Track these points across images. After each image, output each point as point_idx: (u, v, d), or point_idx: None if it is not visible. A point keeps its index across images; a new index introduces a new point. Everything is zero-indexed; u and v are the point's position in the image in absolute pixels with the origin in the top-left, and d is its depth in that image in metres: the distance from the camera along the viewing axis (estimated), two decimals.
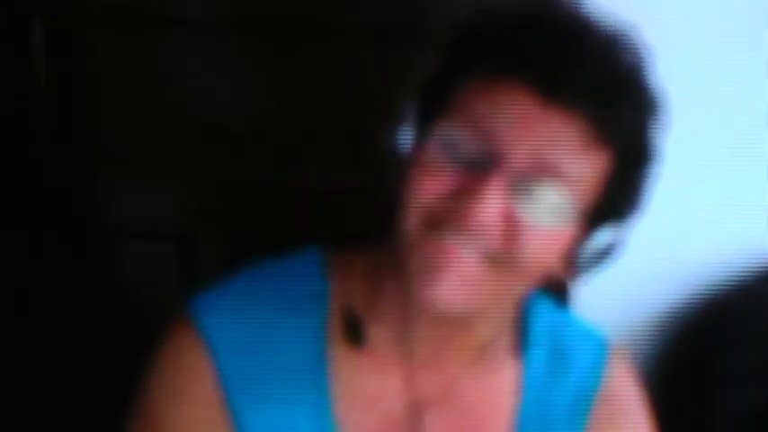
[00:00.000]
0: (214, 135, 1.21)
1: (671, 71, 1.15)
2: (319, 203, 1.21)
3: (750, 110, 1.17)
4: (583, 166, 0.64)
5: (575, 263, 0.70)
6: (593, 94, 0.62)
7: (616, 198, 0.68)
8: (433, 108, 0.68)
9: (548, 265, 0.67)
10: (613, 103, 0.63)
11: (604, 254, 0.70)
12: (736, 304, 1.19)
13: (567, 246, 0.67)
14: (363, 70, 1.19)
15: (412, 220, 0.65)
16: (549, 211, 0.64)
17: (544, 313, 0.83)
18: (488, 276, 0.65)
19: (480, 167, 0.63)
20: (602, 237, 0.69)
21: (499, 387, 0.79)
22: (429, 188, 0.64)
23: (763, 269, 1.20)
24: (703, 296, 1.23)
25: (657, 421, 0.87)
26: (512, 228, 0.63)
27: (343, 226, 1.14)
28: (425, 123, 0.68)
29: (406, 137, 0.69)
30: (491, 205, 0.62)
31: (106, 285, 1.26)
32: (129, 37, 1.19)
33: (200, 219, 1.26)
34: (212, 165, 1.22)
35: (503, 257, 0.64)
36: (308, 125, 1.20)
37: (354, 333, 0.74)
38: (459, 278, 0.64)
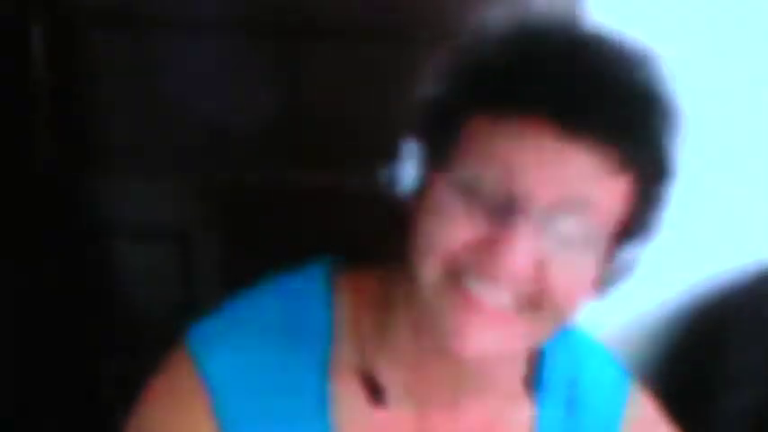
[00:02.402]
0: (214, 135, 1.21)
1: (672, 70, 1.15)
2: (318, 204, 1.21)
3: (752, 109, 1.17)
4: (606, 193, 0.61)
5: (599, 285, 0.67)
6: (614, 123, 0.59)
7: (641, 217, 0.65)
8: (439, 142, 0.64)
9: (579, 298, 0.64)
10: (633, 127, 0.60)
11: (626, 271, 0.68)
12: (737, 305, 1.18)
13: (596, 273, 0.64)
14: (364, 71, 1.19)
15: (432, 268, 0.62)
16: (576, 244, 0.61)
17: (561, 350, 0.78)
18: (519, 319, 0.62)
19: (504, 211, 0.59)
20: (627, 255, 0.67)
21: (511, 427, 0.75)
22: (450, 236, 0.60)
23: (764, 269, 1.20)
24: (704, 297, 1.23)
25: None
26: (541, 268, 0.61)
27: (343, 228, 1.14)
28: (433, 158, 0.64)
29: (409, 168, 0.66)
30: (522, 253, 0.59)
31: (105, 285, 1.26)
32: (129, 37, 1.19)
33: (201, 219, 1.25)
34: (212, 164, 1.22)
35: (533, 298, 0.62)
36: (307, 126, 1.20)
37: (376, 395, 0.71)
38: (488, 325, 0.61)
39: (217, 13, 1.19)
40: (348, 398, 0.71)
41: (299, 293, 0.73)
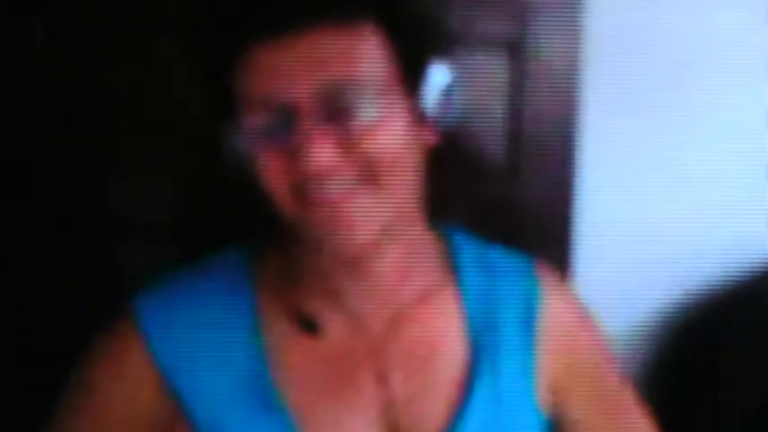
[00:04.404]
0: (216, 133, 1.21)
1: (672, 72, 1.16)
2: None
3: (750, 109, 1.18)
4: (356, 57, 0.65)
5: (427, 124, 0.72)
6: (308, 5, 0.64)
7: (411, 58, 0.69)
8: (227, 106, 0.70)
9: (406, 149, 0.69)
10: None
11: (445, 100, 0.72)
12: (736, 304, 1.19)
13: (406, 119, 0.69)
14: None
15: (284, 204, 0.68)
16: (368, 110, 0.66)
17: (466, 243, 0.85)
18: (372, 191, 0.68)
19: (288, 126, 0.65)
20: (429, 87, 0.71)
21: (442, 317, 0.81)
22: (275, 172, 0.67)
23: (763, 269, 1.20)
24: (703, 296, 1.23)
25: (657, 421, 0.87)
26: (353, 145, 0.66)
27: None
28: (235, 120, 0.69)
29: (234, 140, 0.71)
30: (322, 148, 0.64)
31: (106, 285, 1.26)
32: (129, 36, 1.19)
33: (201, 217, 1.26)
34: (212, 163, 1.22)
35: (367, 171, 0.67)
36: None
37: (310, 326, 0.77)
38: (352, 210, 0.67)
39: None
40: (287, 346, 0.77)
41: (223, 265, 0.81)
